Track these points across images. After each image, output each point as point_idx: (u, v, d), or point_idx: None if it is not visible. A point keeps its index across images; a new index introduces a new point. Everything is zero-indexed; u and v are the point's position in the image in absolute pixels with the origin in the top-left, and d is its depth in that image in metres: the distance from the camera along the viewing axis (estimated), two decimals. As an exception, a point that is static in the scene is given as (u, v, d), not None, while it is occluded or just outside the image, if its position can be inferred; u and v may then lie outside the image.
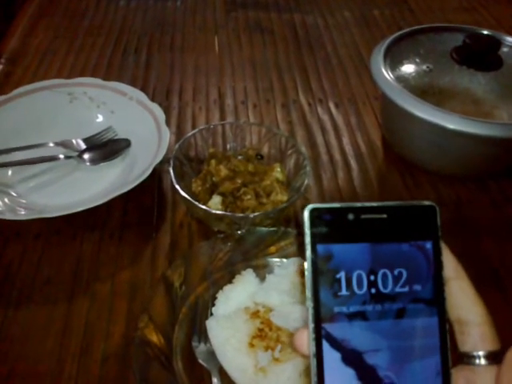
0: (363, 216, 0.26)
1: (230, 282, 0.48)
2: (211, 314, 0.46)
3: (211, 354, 0.43)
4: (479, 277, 0.53)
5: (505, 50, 0.63)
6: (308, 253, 0.25)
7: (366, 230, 0.26)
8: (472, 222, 0.60)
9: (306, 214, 0.26)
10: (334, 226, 0.26)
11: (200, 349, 0.45)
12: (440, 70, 0.62)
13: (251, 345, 0.42)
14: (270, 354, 0.41)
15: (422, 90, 0.60)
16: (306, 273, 0.25)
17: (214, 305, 0.47)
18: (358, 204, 0.26)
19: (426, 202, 0.27)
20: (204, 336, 0.45)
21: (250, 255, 0.52)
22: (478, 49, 0.60)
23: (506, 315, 0.48)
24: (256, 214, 0.52)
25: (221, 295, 0.47)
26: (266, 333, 0.42)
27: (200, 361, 0.44)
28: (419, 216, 0.27)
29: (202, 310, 0.47)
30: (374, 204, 0.26)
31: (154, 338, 0.44)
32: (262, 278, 0.48)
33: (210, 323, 0.44)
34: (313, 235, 0.25)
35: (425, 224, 0.27)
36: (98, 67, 0.82)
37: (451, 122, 0.55)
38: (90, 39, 0.89)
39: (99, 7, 0.99)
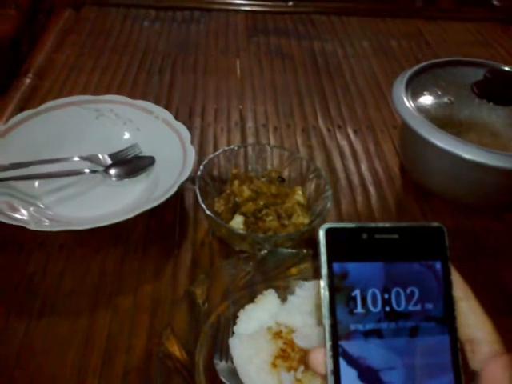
0: (376, 236, 0.27)
1: (251, 301, 0.49)
2: (233, 333, 0.46)
3: (233, 372, 0.44)
4: (496, 305, 0.54)
5: (524, 85, 0.65)
6: (324, 271, 0.26)
7: (379, 250, 0.27)
8: (488, 251, 0.61)
9: (322, 234, 0.27)
10: (348, 245, 0.27)
11: (221, 366, 0.45)
12: (461, 102, 0.63)
13: (274, 365, 0.42)
14: (292, 375, 0.41)
15: (443, 121, 0.62)
16: (323, 290, 0.26)
17: (235, 323, 0.47)
18: (372, 224, 0.28)
19: (435, 224, 0.28)
20: (225, 354, 0.45)
21: (271, 276, 0.52)
22: (498, 83, 0.62)
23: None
24: (280, 235, 0.53)
25: (243, 314, 0.47)
26: (288, 353, 0.43)
27: (222, 378, 0.44)
28: (428, 237, 0.28)
29: (223, 328, 0.48)
30: (386, 224, 0.28)
31: (177, 352, 0.44)
32: (284, 299, 0.49)
33: (233, 342, 0.44)
34: (328, 254, 0.27)
35: (434, 244, 0.28)
36: (123, 85, 0.84)
37: (468, 153, 0.56)
38: (115, 58, 0.91)
39: (124, 27, 1.01)
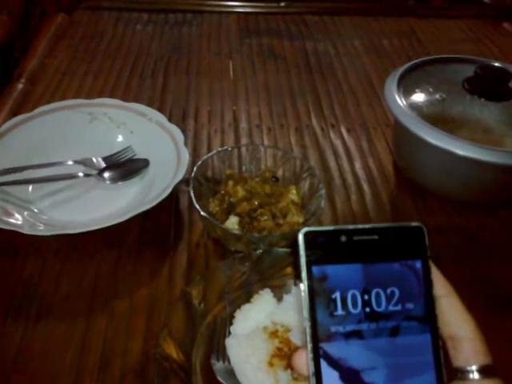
0: (355, 238, 0.27)
1: (247, 301, 0.49)
2: (229, 333, 0.47)
3: (230, 372, 0.44)
4: (490, 302, 0.54)
5: (515, 81, 0.65)
6: (304, 274, 0.26)
7: (359, 251, 0.27)
8: (483, 248, 0.61)
9: (301, 237, 0.27)
10: (327, 248, 0.27)
11: (218, 366, 0.45)
12: (452, 99, 0.64)
13: (270, 364, 0.42)
14: (289, 374, 0.41)
15: (435, 118, 0.62)
16: (303, 294, 0.26)
17: (231, 324, 0.47)
18: (350, 226, 0.28)
19: (414, 224, 0.28)
20: (222, 354, 0.45)
21: (266, 275, 0.52)
22: (489, 79, 0.62)
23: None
24: (275, 234, 0.53)
25: (239, 314, 0.47)
26: (285, 352, 0.43)
27: (219, 378, 0.44)
28: (408, 236, 0.28)
29: (220, 329, 0.48)
30: (366, 226, 0.28)
31: (174, 354, 0.44)
32: (280, 298, 0.49)
33: (230, 342, 0.44)
34: (308, 257, 0.27)
35: (414, 244, 0.28)
36: (116, 89, 0.84)
37: (461, 149, 0.57)
38: (108, 61, 0.91)
39: (116, 31, 1.01)
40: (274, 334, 0.44)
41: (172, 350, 0.44)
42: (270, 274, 0.53)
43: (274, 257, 0.53)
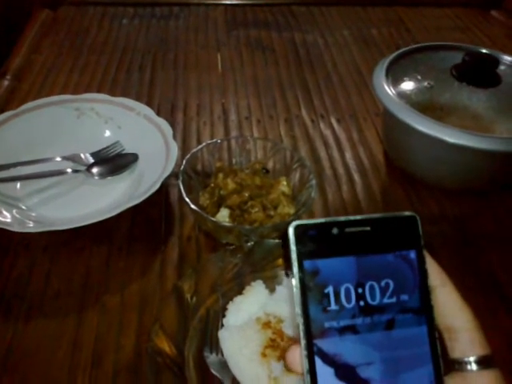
0: (347, 230, 0.27)
1: (239, 293, 0.49)
2: (222, 325, 0.46)
3: (223, 364, 0.44)
4: (484, 290, 0.54)
5: (502, 67, 0.65)
6: (295, 269, 0.26)
7: (351, 244, 0.27)
8: (475, 236, 0.61)
9: (291, 231, 0.26)
10: (319, 242, 0.26)
11: (211, 359, 0.45)
12: (440, 86, 0.64)
13: (263, 355, 0.42)
14: (282, 364, 0.41)
15: (424, 105, 0.62)
16: (295, 289, 0.26)
17: (224, 316, 0.47)
18: (342, 218, 0.27)
19: (407, 213, 0.28)
20: (215, 347, 0.45)
21: (258, 267, 0.52)
22: (477, 66, 0.62)
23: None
24: (266, 226, 0.53)
25: (231, 306, 0.47)
26: (278, 343, 0.43)
27: (213, 371, 0.44)
28: (401, 226, 0.27)
29: (212, 321, 0.47)
30: (358, 217, 0.27)
31: (167, 348, 0.44)
32: (272, 290, 0.49)
33: (223, 334, 0.44)
34: (299, 252, 0.26)
35: (407, 234, 0.27)
36: (103, 84, 0.83)
37: (451, 136, 0.57)
38: (94, 57, 0.90)
39: (102, 26, 1.00)
40: (266, 324, 0.44)
41: (164, 345, 0.44)
42: (261, 265, 0.52)
43: (266, 248, 0.53)
